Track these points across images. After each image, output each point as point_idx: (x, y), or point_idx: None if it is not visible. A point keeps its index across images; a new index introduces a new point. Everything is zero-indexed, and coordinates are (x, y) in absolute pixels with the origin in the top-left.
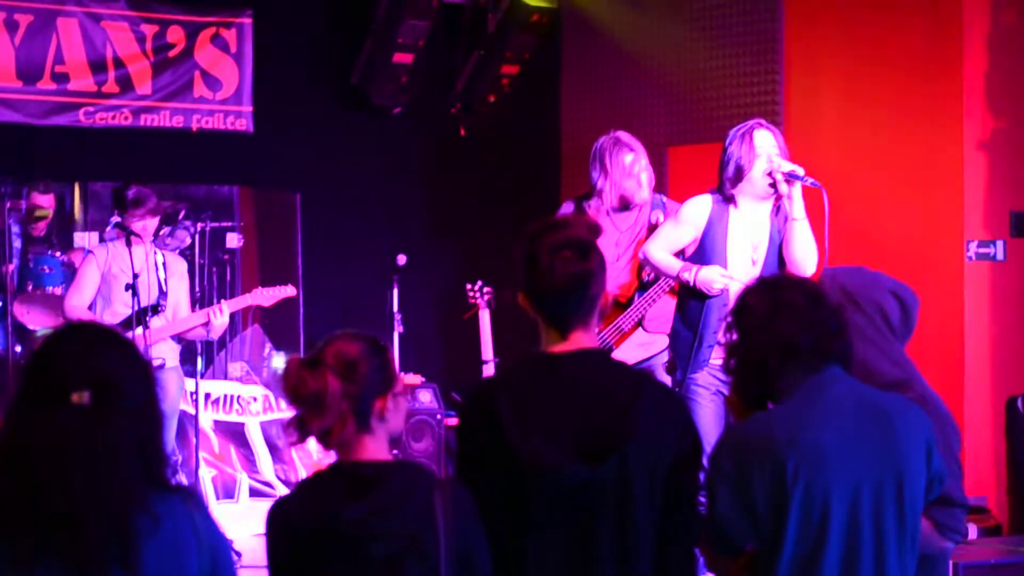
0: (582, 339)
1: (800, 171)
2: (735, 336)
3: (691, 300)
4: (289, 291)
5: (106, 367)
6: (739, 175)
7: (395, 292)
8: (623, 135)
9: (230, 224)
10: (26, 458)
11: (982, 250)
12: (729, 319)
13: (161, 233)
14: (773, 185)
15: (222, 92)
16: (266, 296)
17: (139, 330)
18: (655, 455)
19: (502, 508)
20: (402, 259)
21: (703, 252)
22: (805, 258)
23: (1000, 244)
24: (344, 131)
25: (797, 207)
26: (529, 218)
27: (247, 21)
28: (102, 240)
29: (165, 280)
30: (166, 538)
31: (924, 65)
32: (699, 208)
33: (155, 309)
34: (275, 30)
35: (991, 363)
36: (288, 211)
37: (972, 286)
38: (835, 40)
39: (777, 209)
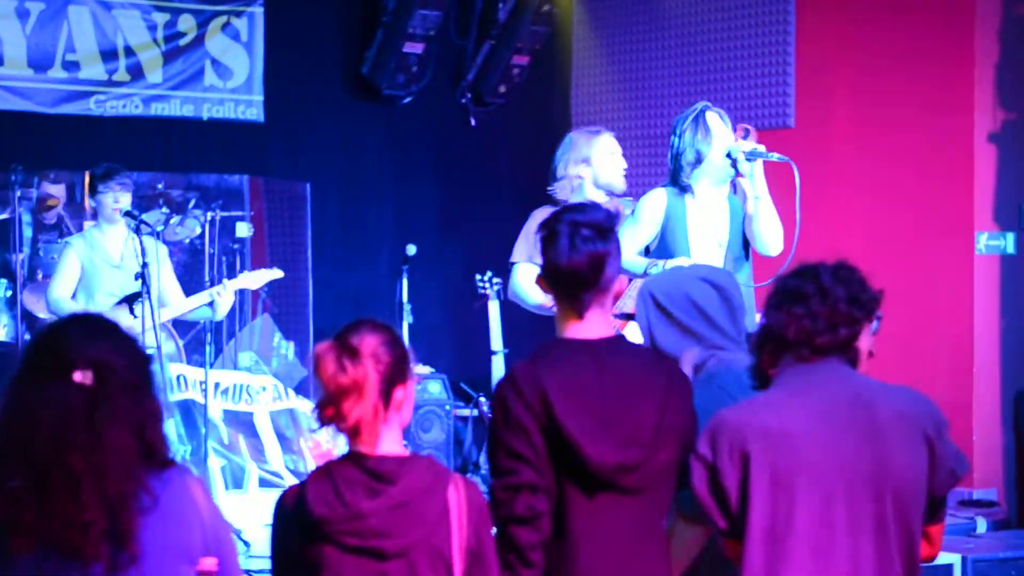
0: (600, 321)
1: (761, 148)
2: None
3: None
4: (276, 273)
5: (107, 353)
6: (698, 160)
7: (404, 282)
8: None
9: (240, 213)
10: (28, 430)
11: (992, 243)
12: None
13: (172, 222)
14: (733, 165)
15: (233, 81)
16: (252, 279)
17: (133, 318)
18: (682, 436)
19: (549, 485)
20: (411, 249)
21: (665, 245)
22: (771, 236)
23: (1010, 237)
24: (354, 121)
25: (760, 185)
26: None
27: (258, 10)
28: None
29: (144, 265)
30: (166, 513)
31: (935, 57)
32: (655, 203)
33: (138, 296)
34: (286, 19)
35: (1000, 356)
36: (298, 201)
37: (982, 279)
38: (846, 32)
39: (734, 188)
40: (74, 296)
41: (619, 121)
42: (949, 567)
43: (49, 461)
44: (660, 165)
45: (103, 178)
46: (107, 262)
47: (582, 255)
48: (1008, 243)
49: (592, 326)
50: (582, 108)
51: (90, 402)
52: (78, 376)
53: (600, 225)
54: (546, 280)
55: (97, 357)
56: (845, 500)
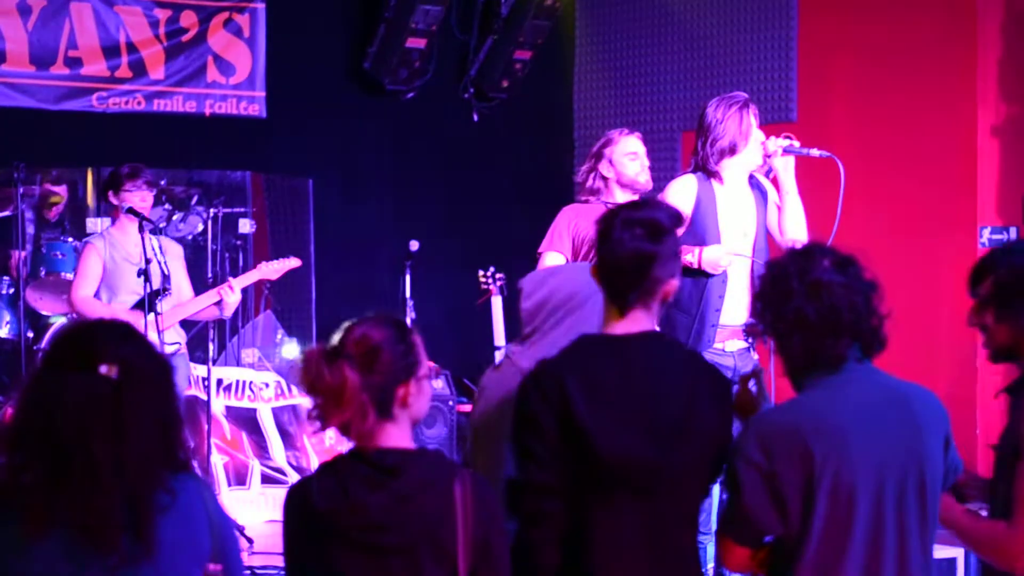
0: (641, 319)
1: (796, 144)
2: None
3: (684, 281)
4: (294, 262)
5: (132, 354)
6: (733, 150)
7: (407, 278)
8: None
9: (243, 210)
10: (51, 417)
11: (995, 237)
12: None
13: (174, 218)
14: (766, 160)
15: (235, 77)
16: (273, 269)
17: (151, 316)
18: (711, 437)
19: (569, 486)
20: (414, 245)
21: (696, 232)
22: (797, 230)
23: (1014, 231)
24: (357, 116)
25: (790, 181)
26: (542, 202)
27: (260, 6)
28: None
29: (166, 263)
30: (181, 514)
31: (937, 52)
32: (686, 189)
33: (162, 292)
34: (288, 15)
35: None
36: (300, 197)
37: None
38: (848, 27)
39: (751, 179)
40: (97, 295)
41: (621, 115)
42: (953, 561)
43: (72, 447)
44: (663, 159)
45: (131, 176)
46: (129, 261)
47: (629, 254)
48: (1011, 237)
49: (631, 325)
50: (585, 102)
51: (115, 393)
52: (104, 369)
53: (654, 224)
54: (597, 274)
55: (123, 355)
56: (895, 497)
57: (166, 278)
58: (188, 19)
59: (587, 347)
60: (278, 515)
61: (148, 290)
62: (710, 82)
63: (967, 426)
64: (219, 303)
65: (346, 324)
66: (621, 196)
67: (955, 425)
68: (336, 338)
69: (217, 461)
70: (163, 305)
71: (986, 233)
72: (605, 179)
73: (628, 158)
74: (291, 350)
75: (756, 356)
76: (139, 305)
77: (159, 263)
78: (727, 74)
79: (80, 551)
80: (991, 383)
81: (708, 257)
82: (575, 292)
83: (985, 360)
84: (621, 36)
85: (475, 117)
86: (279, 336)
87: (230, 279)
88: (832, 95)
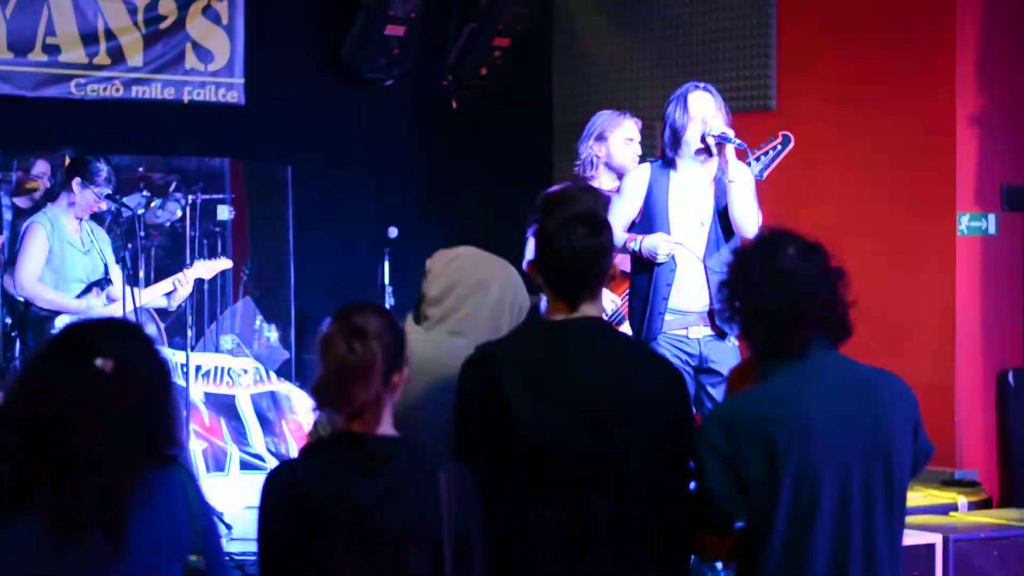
0: (587, 309)
1: (730, 133)
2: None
3: (638, 271)
4: (224, 263)
5: (132, 352)
6: (675, 139)
7: (386, 264)
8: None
9: (221, 196)
10: (36, 403)
11: (974, 223)
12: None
13: (152, 205)
14: (706, 149)
15: (213, 64)
16: (207, 268)
17: (113, 306)
18: (653, 427)
19: (501, 476)
20: (393, 231)
21: (647, 219)
22: (746, 220)
23: (992, 218)
24: (336, 103)
25: (732, 169)
26: (521, 190)
27: None
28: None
29: (101, 251)
30: (161, 509)
31: (917, 40)
32: (639, 177)
33: (106, 282)
34: (267, 2)
35: (982, 337)
36: (279, 183)
37: (964, 260)
38: (828, 15)
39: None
40: (41, 279)
41: (600, 104)
42: (931, 546)
43: (51, 435)
44: (641, 147)
45: (108, 181)
46: (74, 246)
47: (579, 254)
48: (990, 224)
49: (578, 315)
50: (564, 90)
51: (105, 388)
52: (99, 362)
53: (594, 217)
54: (539, 273)
55: (121, 352)
56: (861, 484)
57: (106, 267)
58: (166, 6)
59: (527, 331)
60: (256, 501)
61: (125, 280)
62: (689, 70)
63: (945, 413)
64: (170, 294)
65: (340, 310)
66: (607, 179)
67: (933, 412)
68: (341, 321)
69: (195, 447)
70: (109, 294)
71: (965, 220)
72: (597, 157)
73: (625, 142)
74: (270, 336)
75: (734, 343)
76: (85, 293)
77: (98, 252)
78: (706, 62)
79: (52, 542)
80: (970, 369)
81: (647, 245)
82: (483, 280)
83: (965, 347)
84: (600, 25)
85: (454, 105)
86: (257, 322)
87: (185, 271)
88: (811, 82)
